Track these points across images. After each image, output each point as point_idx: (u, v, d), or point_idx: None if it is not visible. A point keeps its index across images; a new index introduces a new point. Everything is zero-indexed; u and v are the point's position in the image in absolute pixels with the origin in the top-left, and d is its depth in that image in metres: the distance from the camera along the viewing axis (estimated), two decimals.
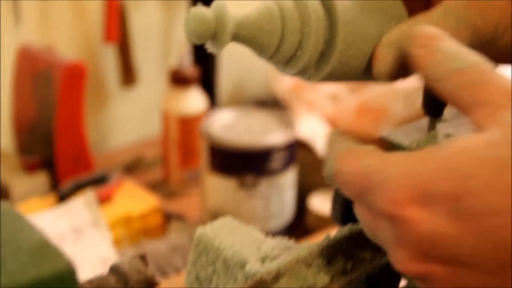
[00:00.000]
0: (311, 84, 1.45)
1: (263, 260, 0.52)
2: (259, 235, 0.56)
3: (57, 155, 1.18)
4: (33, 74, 1.21)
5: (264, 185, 1.05)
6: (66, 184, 1.10)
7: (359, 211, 0.41)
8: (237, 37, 0.42)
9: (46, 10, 1.31)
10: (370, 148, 0.41)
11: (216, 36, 0.41)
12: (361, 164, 0.39)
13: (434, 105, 0.55)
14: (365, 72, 0.46)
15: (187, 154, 1.27)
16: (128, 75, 1.42)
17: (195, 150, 1.26)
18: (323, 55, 0.44)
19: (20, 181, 1.17)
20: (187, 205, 1.22)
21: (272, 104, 1.51)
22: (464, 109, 0.38)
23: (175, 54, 1.51)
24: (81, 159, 1.20)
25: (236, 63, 1.65)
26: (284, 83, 1.34)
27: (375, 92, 1.30)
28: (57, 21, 1.33)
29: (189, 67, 1.27)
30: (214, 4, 0.41)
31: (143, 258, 0.46)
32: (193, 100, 1.26)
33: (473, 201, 0.34)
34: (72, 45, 1.36)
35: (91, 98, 1.36)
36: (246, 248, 0.54)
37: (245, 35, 0.42)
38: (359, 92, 1.33)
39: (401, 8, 0.47)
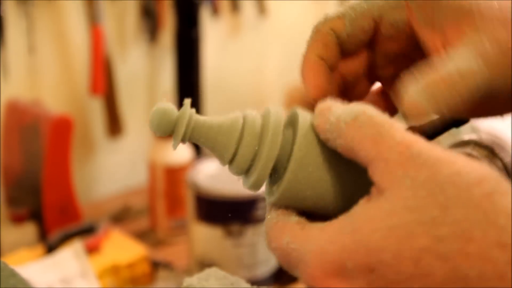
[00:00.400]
0: None
1: None
2: (246, 285, 0.57)
3: (45, 206, 1.19)
4: (20, 127, 1.23)
5: (250, 233, 1.06)
6: (54, 235, 1.11)
7: None
8: (194, 139, 0.43)
9: (33, 64, 1.34)
10: (294, 220, 0.41)
11: (174, 132, 0.42)
12: (283, 241, 0.40)
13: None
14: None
15: (173, 203, 1.29)
16: (114, 125, 1.44)
17: (182, 199, 1.28)
18: (277, 173, 0.44)
19: (8, 232, 1.18)
20: (174, 253, 1.23)
21: None
22: (364, 165, 0.38)
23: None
24: (69, 209, 1.22)
25: (219, 113, 1.67)
26: None
27: None
28: (44, 74, 1.36)
29: None
30: (184, 102, 0.43)
31: None
32: (179, 150, 1.28)
33: (386, 272, 0.35)
34: (59, 97, 1.39)
35: (78, 148, 1.38)
36: None
37: (201, 140, 0.43)
38: None
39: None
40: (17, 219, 1.20)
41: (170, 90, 1.51)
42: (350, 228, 0.37)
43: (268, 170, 0.42)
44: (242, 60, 1.73)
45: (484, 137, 0.63)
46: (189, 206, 1.11)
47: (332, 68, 0.49)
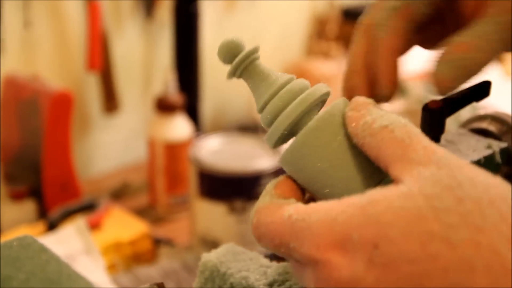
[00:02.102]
0: None
1: (271, 285, 0.53)
2: (264, 261, 0.57)
3: (44, 183, 1.18)
4: (18, 102, 1.22)
5: None
6: (55, 212, 1.11)
7: (291, 266, 0.43)
8: (244, 76, 0.49)
9: (29, 40, 1.32)
10: (292, 200, 0.42)
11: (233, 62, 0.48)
12: (284, 213, 0.40)
13: (431, 132, 0.57)
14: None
15: (173, 180, 1.28)
16: (111, 102, 1.43)
17: (181, 175, 1.27)
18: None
19: (8, 210, 1.17)
20: (175, 230, 1.23)
21: (253, 129, 1.53)
22: (387, 164, 0.40)
23: (157, 81, 1.53)
24: (69, 186, 1.21)
25: (218, 89, 1.67)
26: None
27: None
28: (39, 50, 1.34)
29: (174, 94, 1.28)
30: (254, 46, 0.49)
31: (160, 286, 0.47)
32: (179, 126, 1.28)
33: (390, 249, 0.35)
34: (55, 73, 1.37)
35: (75, 125, 1.36)
36: (253, 274, 0.55)
37: (249, 80, 0.49)
38: None
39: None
40: (17, 196, 1.19)
41: (167, 66, 1.50)
42: (363, 203, 0.37)
43: (283, 127, 0.46)
44: (239, 35, 1.72)
45: (500, 111, 0.63)
46: (192, 182, 1.10)
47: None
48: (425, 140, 0.39)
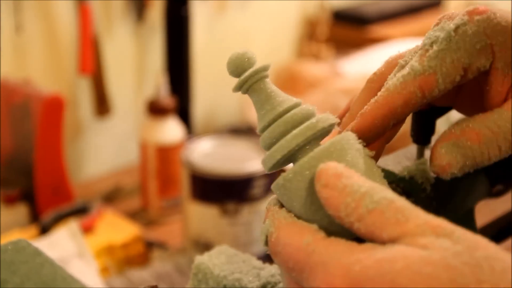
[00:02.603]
0: None
1: (264, 287, 0.54)
2: (257, 263, 0.57)
3: (37, 186, 1.18)
4: (10, 106, 1.22)
5: (246, 212, 1.07)
6: (47, 216, 1.11)
7: (287, 281, 0.42)
8: (250, 92, 0.47)
9: (21, 44, 1.32)
10: (315, 227, 0.41)
11: (240, 76, 0.47)
12: (303, 240, 0.40)
13: (422, 133, 0.57)
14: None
15: (165, 183, 1.28)
16: (102, 106, 1.43)
17: (173, 178, 1.28)
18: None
19: (0, 214, 1.17)
20: (167, 233, 1.23)
21: (245, 131, 1.53)
22: (386, 243, 0.38)
23: (149, 84, 1.53)
24: (61, 190, 1.21)
25: (209, 92, 1.67)
26: None
27: None
28: (32, 54, 1.34)
29: (166, 97, 1.29)
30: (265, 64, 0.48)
31: None
32: (171, 129, 1.28)
33: None
34: (47, 77, 1.37)
35: (67, 129, 1.37)
36: (246, 276, 0.55)
37: (254, 98, 0.47)
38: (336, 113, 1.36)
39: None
40: (9, 200, 1.19)
41: (159, 69, 1.50)
42: (380, 257, 0.36)
43: (279, 155, 0.44)
44: (229, 38, 1.72)
45: None
46: (184, 185, 1.10)
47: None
48: (420, 214, 0.37)
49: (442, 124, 0.65)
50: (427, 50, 0.47)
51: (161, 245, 1.14)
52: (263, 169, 0.47)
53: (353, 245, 0.38)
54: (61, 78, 1.40)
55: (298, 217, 0.44)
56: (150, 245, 1.13)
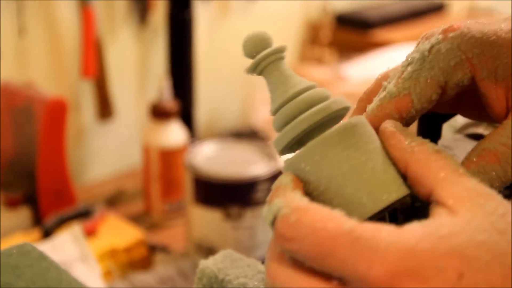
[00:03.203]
0: None
1: None
2: (262, 267, 0.57)
3: (39, 190, 1.18)
4: (12, 110, 1.21)
5: (249, 216, 1.06)
6: (50, 219, 1.10)
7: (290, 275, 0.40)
8: (264, 74, 0.47)
9: (23, 47, 1.32)
10: (342, 213, 0.39)
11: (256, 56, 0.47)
12: (344, 225, 0.38)
13: (428, 136, 0.57)
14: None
15: (168, 186, 1.28)
16: (105, 109, 1.43)
17: (176, 182, 1.27)
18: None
19: (3, 217, 1.17)
20: (170, 237, 1.23)
21: (248, 135, 1.53)
22: (435, 184, 0.40)
23: (151, 87, 1.53)
24: (64, 193, 1.21)
25: (213, 95, 1.67)
26: (263, 114, 1.36)
27: None
28: (34, 57, 1.34)
29: (169, 101, 1.28)
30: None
31: None
32: (174, 133, 1.28)
33: (475, 279, 0.36)
34: (50, 80, 1.37)
35: (70, 132, 1.36)
36: (251, 280, 0.55)
37: (267, 79, 0.47)
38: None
39: None
40: (12, 203, 1.19)
41: (162, 72, 1.50)
42: (444, 233, 0.37)
43: (294, 134, 0.44)
44: (232, 42, 1.72)
45: None
46: (187, 189, 1.10)
47: None
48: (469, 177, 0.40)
49: (447, 129, 0.65)
50: (403, 72, 0.47)
51: (164, 249, 1.14)
52: (275, 150, 0.46)
53: (401, 228, 0.38)
54: (63, 81, 1.40)
55: (317, 190, 0.43)
56: (153, 249, 1.13)
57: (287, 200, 0.40)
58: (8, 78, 1.27)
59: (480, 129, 0.63)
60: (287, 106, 0.45)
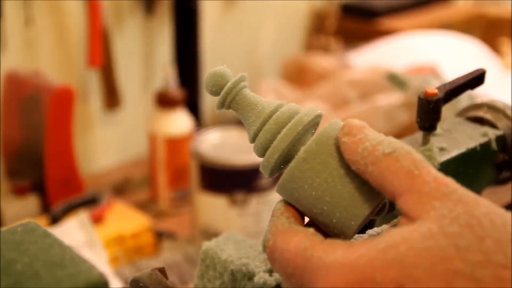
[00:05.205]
0: (295, 102, 1.48)
1: (270, 271, 0.54)
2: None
3: (47, 178, 1.19)
4: (20, 98, 1.23)
5: (254, 202, 1.07)
6: (58, 206, 1.11)
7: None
8: (233, 108, 0.48)
9: (31, 37, 1.33)
10: (311, 230, 0.41)
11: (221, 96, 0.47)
12: (300, 245, 0.40)
13: (428, 119, 0.57)
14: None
15: (174, 174, 1.29)
16: (112, 98, 1.44)
17: (183, 170, 1.28)
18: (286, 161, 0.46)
19: (11, 205, 1.18)
20: (176, 224, 1.24)
21: None
22: (394, 195, 0.39)
23: (158, 77, 1.54)
24: (71, 181, 1.22)
25: None
26: None
27: (357, 109, 1.34)
28: (41, 47, 1.35)
29: (175, 89, 1.29)
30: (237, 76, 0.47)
31: (161, 270, 0.48)
32: (180, 121, 1.28)
33: None
34: (56, 70, 1.38)
35: (77, 121, 1.37)
36: (253, 261, 0.56)
37: (238, 111, 0.48)
38: (342, 110, 1.36)
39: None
40: (20, 191, 1.20)
41: (168, 62, 1.51)
42: (382, 246, 0.37)
43: (274, 157, 0.45)
44: (238, 31, 1.73)
45: (496, 100, 0.64)
46: (193, 176, 1.11)
47: None
48: (433, 170, 0.39)
49: (447, 111, 0.65)
50: None
51: (170, 235, 1.15)
52: (264, 176, 0.47)
53: (351, 243, 0.39)
54: (71, 71, 1.41)
55: (304, 211, 0.44)
56: (159, 235, 1.14)
57: (271, 226, 0.43)
58: (17, 67, 1.28)
59: (481, 112, 0.63)
60: (261, 133, 0.45)
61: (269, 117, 0.46)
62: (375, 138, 0.41)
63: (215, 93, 0.47)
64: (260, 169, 0.47)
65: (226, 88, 0.47)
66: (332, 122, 0.45)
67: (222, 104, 0.47)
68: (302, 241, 0.40)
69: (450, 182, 0.38)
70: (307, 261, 0.39)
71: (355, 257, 0.37)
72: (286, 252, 0.40)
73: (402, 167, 0.39)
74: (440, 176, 0.39)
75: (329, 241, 0.40)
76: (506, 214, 0.37)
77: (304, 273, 0.39)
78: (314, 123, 0.46)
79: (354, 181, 0.42)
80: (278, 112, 0.46)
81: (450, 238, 0.36)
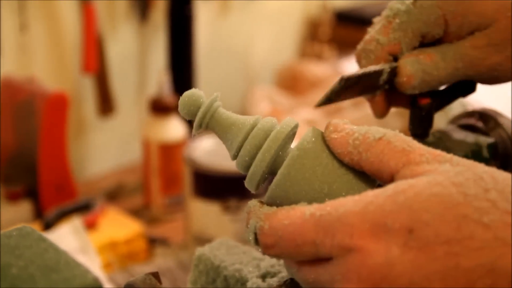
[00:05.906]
0: (289, 109, 1.48)
1: (263, 277, 0.54)
2: (257, 253, 0.58)
3: (41, 183, 1.19)
4: (14, 104, 1.23)
5: None
6: (51, 212, 1.12)
7: (295, 268, 0.43)
8: (211, 128, 0.48)
9: (25, 42, 1.33)
10: (303, 203, 0.42)
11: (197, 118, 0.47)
12: (306, 212, 0.40)
13: (420, 126, 0.58)
14: None
15: (168, 180, 1.29)
16: (106, 104, 1.44)
17: (176, 176, 1.29)
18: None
19: (4, 211, 1.18)
20: (170, 230, 1.24)
21: None
22: (391, 174, 0.41)
23: (152, 83, 1.54)
24: (65, 187, 1.22)
25: (212, 90, 1.67)
26: (261, 108, 1.37)
27: (350, 117, 1.34)
28: (36, 52, 1.35)
29: (169, 96, 1.30)
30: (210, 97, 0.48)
31: (155, 275, 0.48)
32: (173, 127, 1.29)
33: (425, 232, 0.37)
34: (51, 76, 1.38)
35: (71, 127, 1.37)
36: (246, 266, 0.56)
37: (216, 131, 0.48)
38: (335, 117, 1.37)
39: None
40: (13, 197, 1.20)
41: (162, 68, 1.51)
42: (391, 192, 0.38)
43: (260, 171, 0.45)
44: (232, 38, 1.73)
45: (488, 108, 0.65)
46: (186, 182, 1.11)
47: None
48: (422, 146, 0.41)
49: (440, 118, 0.66)
50: (390, 22, 0.56)
51: (163, 242, 1.15)
52: (249, 189, 0.48)
53: (357, 197, 0.40)
54: (65, 77, 1.41)
55: None
56: (152, 242, 1.14)
57: (258, 215, 0.43)
58: (11, 73, 1.28)
59: (472, 120, 0.64)
60: (242, 149, 0.46)
61: (248, 132, 0.46)
62: (361, 129, 0.43)
63: (190, 115, 0.47)
64: (246, 185, 0.48)
65: (202, 108, 0.47)
66: (311, 128, 0.46)
67: (199, 126, 0.47)
68: (304, 209, 0.41)
69: (443, 153, 0.40)
70: (318, 223, 0.40)
71: (365, 204, 0.38)
72: (291, 226, 0.41)
73: (395, 146, 0.41)
74: (433, 149, 0.41)
75: (333, 201, 0.40)
76: (503, 172, 0.39)
77: (317, 235, 0.39)
78: (292, 133, 0.47)
79: (348, 172, 0.44)
80: (255, 129, 0.46)
81: (458, 186, 0.37)
